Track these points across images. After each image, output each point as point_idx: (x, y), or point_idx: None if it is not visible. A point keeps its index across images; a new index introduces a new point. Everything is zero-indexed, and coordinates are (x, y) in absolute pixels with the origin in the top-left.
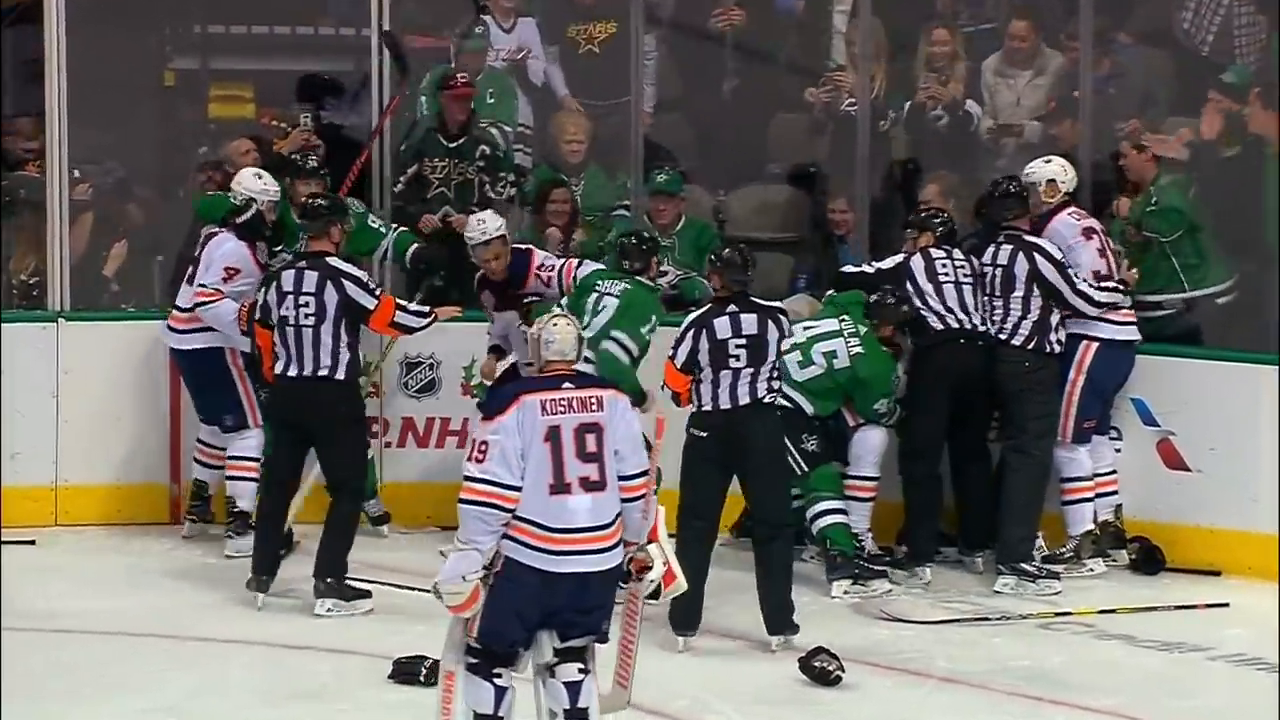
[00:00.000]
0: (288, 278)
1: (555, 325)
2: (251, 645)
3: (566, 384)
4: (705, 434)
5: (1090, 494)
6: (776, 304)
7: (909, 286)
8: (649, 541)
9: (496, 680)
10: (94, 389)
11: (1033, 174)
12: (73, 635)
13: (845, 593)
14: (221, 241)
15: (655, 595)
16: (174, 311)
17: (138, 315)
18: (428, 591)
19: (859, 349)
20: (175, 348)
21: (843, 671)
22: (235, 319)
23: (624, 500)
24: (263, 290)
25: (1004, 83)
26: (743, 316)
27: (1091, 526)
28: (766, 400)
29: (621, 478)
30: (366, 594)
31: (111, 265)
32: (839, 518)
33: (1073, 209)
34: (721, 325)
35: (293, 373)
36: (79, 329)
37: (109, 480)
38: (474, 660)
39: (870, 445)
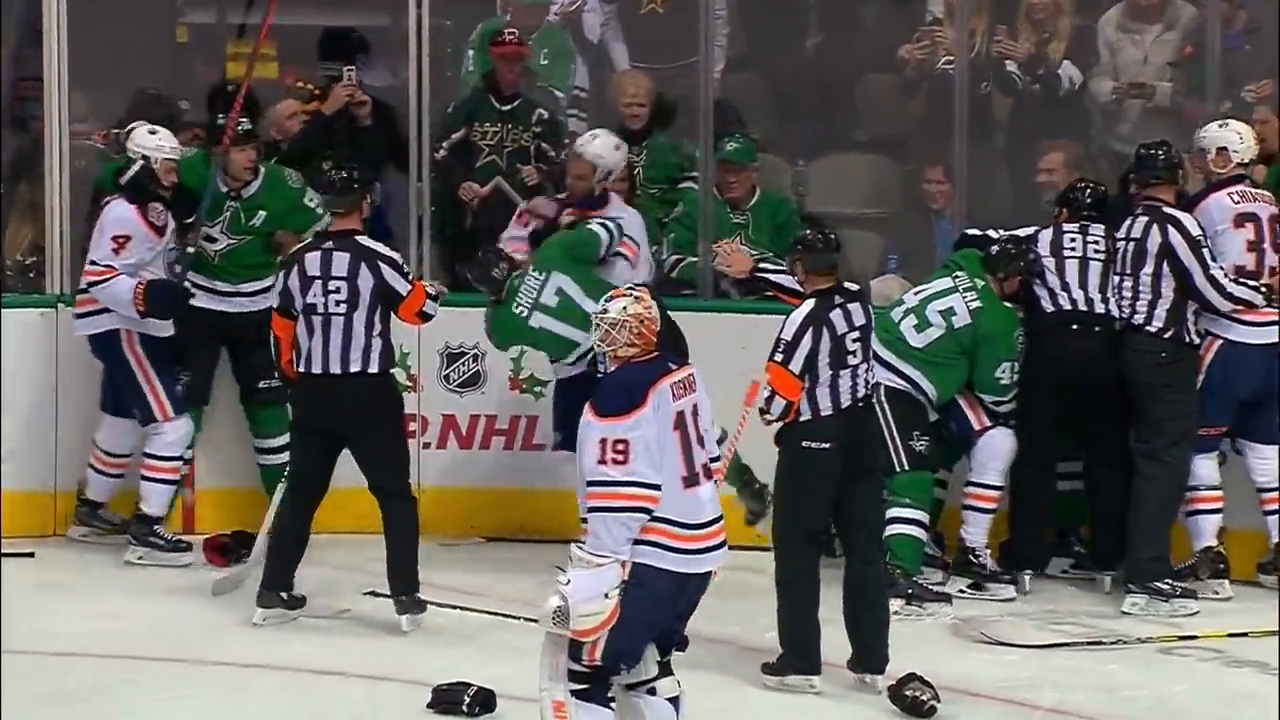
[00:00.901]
0: (313, 260)
1: (628, 306)
2: (272, 670)
3: (670, 365)
4: (828, 445)
5: (1215, 505)
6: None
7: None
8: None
9: (612, 705)
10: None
11: (1204, 138)
12: (75, 658)
13: (895, 613)
14: (108, 210)
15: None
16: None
17: None
18: (511, 618)
19: (978, 302)
20: (82, 334)
21: (938, 701)
22: (132, 298)
23: None
24: (283, 275)
25: (1128, 39)
26: (850, 306)
27: (1213, 543)
28: (870, 394)
29: (710, 460)
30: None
31: None
32: (912, 530)
33: (1237, 189)
34: (838, 319)
35: (319, 369)
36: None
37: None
38: (584, 686)
39: (997, 450)
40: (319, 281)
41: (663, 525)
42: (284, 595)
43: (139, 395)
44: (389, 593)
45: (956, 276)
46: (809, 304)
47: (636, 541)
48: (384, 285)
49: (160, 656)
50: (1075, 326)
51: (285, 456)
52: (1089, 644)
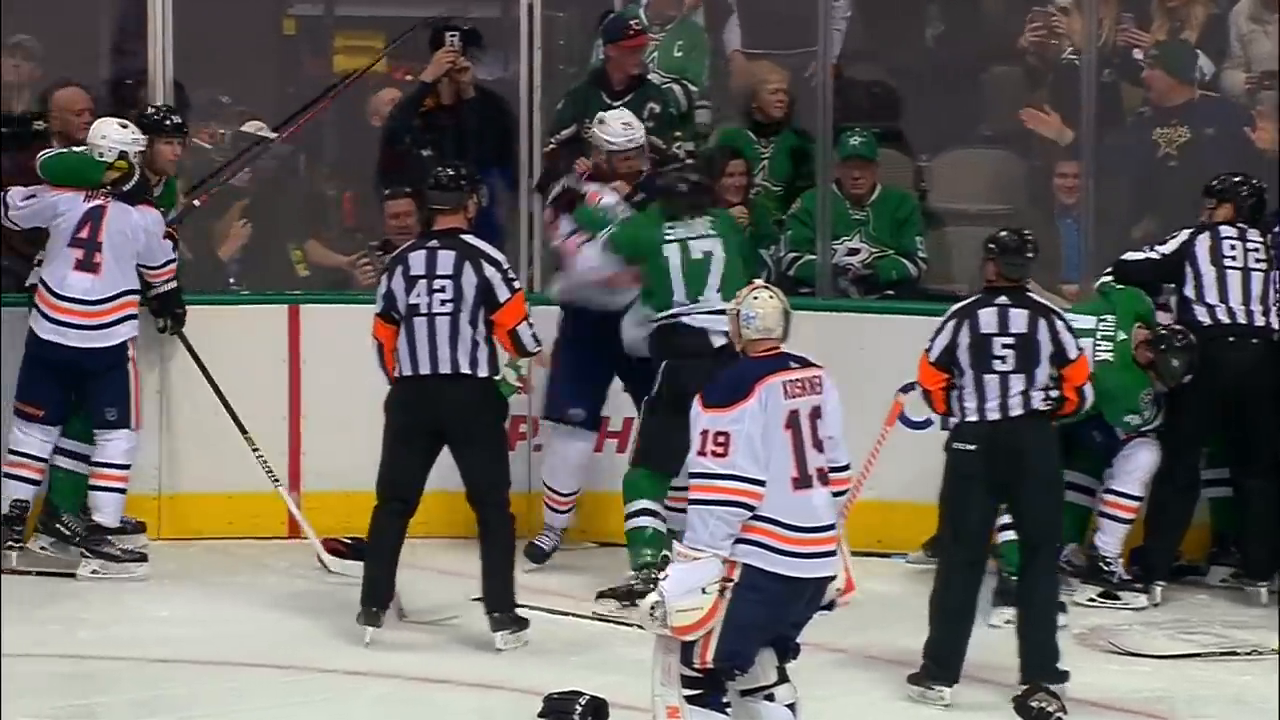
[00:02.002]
0: (417, 260)
1: (758, 298)
2: (378, 678)
3: (792, 363)
4: (973, 447)
5: None
6: (1051, 304)
7: (1187, 269)
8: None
9: (729, 710)
10: (203, 384)
11: None
12: (179, 665)
13: (1006, 622)
14: (139, 217)
15: (830, 606)
16: (67, 304)
17: (255, 299)
18: (605, 619)
19: (1108, 356)
20: (79, 346)
21: (1064, 713)
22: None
23: (831, 494)
24: (385, 277)
25: (1261, 30)
26: (1012, 311)
27: None
28: (1041, 409)
29: (833, 468)
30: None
31: (231, 245)
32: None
33: None
34: (987, 318)
35: (425, 370)
36: (188, 315)
37: (218, 489)
38: (698, 690)
39: (1141, 461)
40: (423, 281)
41: (767, 525)
42: (388, 608)
43: (124, 400)
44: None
45: (1103, 320)
46: (965, 299)
47: (742, 540)
48: (486, 285)
49: (262, 663)
50: (1231, 340)
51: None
52: (1222, 654)
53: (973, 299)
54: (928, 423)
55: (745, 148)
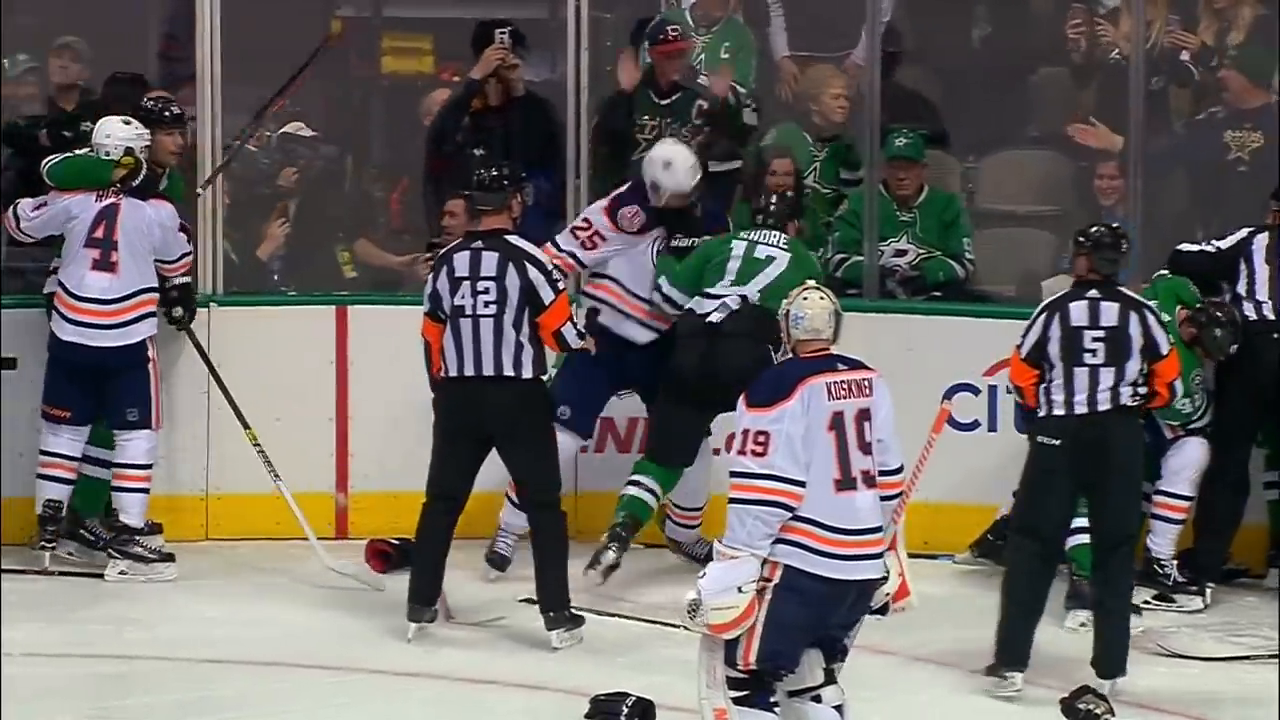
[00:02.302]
0: (461, 260)
1: (807, 299)
2: (427, 679)
3: (839, 365)
4: (1057, 441)
5: None
6: (1142, 298)
7: (1241, 266)
8: (888, 549)
9: (776, 710)
10: (249, 385)
11: None
12: (227, 666)
13: (1081, 625)
14: (153, 212)
15: (884, 610)
16: (86, 304)
17: (303, 300)
18: (653, 623)
19: None
20: (101, 345)
21: (1113, 715)
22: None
23: (881, 498)
24: (431, 277)
25: None
26: (1103, 304)
27: None
28: (1129, 404)
29: (882, 471)
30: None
31: (269, 246)
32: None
33: None
34: (1078, 311)
35: (470, 372)
36: (233, 316)
37: (265, 489)
38: (744, 691)
39: (1188, 459)
40: (467, 282)
41: (807, 526)
42: (434, 606)
43: (145, 401)
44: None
45: None
46: (1055, 294)
47: (781, 541)
48: (530, 287)
49: (311, 664)
50: (1277, 335)
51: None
52: (1270, 657)
53: (1064, 293)
54: (975, 424)
55: (800, 149)
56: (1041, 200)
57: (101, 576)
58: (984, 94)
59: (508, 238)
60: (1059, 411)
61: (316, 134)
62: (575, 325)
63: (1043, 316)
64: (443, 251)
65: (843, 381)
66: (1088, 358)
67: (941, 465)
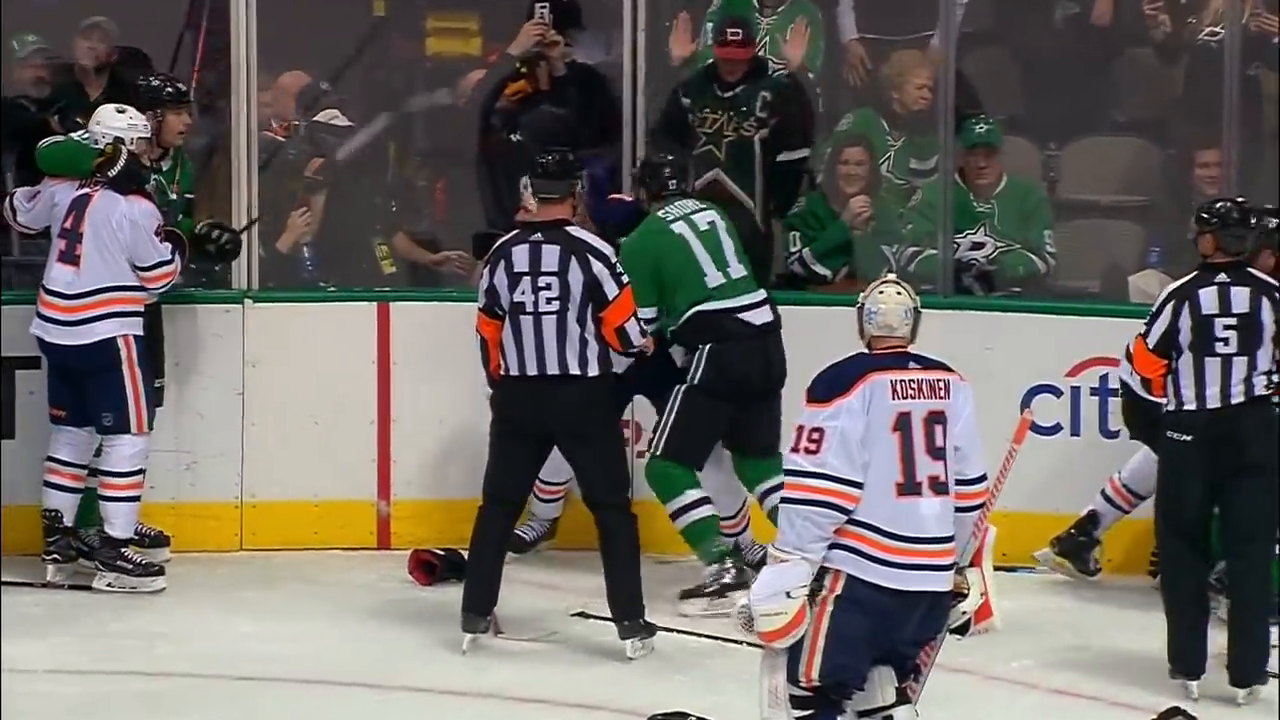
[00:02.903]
0: (520, 254)
1: (882, 293)
2: (476, 697)
3: (913, 364)
4: (1189, 437)
5: None
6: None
7: None
8: (970, 564)
9: None
10: (287, 386)
11: None
12: (264, 684)
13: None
14: (127, 207)
15: (963, 630)
16: (50, 298)
17: (342, 295)
18: (733, 642)
19: None
20: (60, 342)
21: None
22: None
23: (959, 509)
24: (487, 271)
25: None
26: (1233, 289)
27: None
28: (1263, 394)
29: (960, 481)
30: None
31: (289, 238)
32: None
33: None
34: (1207, 298)
35: (532, 371)
36: (269, 313)
37: (304, 496)
38: (808, 711)
39: None
40: (527, 278)
41: (863, 530)
42: (490, 615)
43: (120, 404)
44: (605, 615)
45: None
46: (1181, 279)
47: (838, 546)
48: (593, 281)
49: (355, 681)
50: None
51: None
52: None
53: (1190, 278)
54: (1057, 428)
55: (876, 137)
56: (1128, 190)
57: (89, 588)
58: (1066, 76)
59: (568, 229)
60: (1189, 406)
61: (351, 123)
62: (639, 321)
63: (1171, 304)
64: (499, 244)
65: (912, 380)
66: (1219, 347)
67: (1020, 471)
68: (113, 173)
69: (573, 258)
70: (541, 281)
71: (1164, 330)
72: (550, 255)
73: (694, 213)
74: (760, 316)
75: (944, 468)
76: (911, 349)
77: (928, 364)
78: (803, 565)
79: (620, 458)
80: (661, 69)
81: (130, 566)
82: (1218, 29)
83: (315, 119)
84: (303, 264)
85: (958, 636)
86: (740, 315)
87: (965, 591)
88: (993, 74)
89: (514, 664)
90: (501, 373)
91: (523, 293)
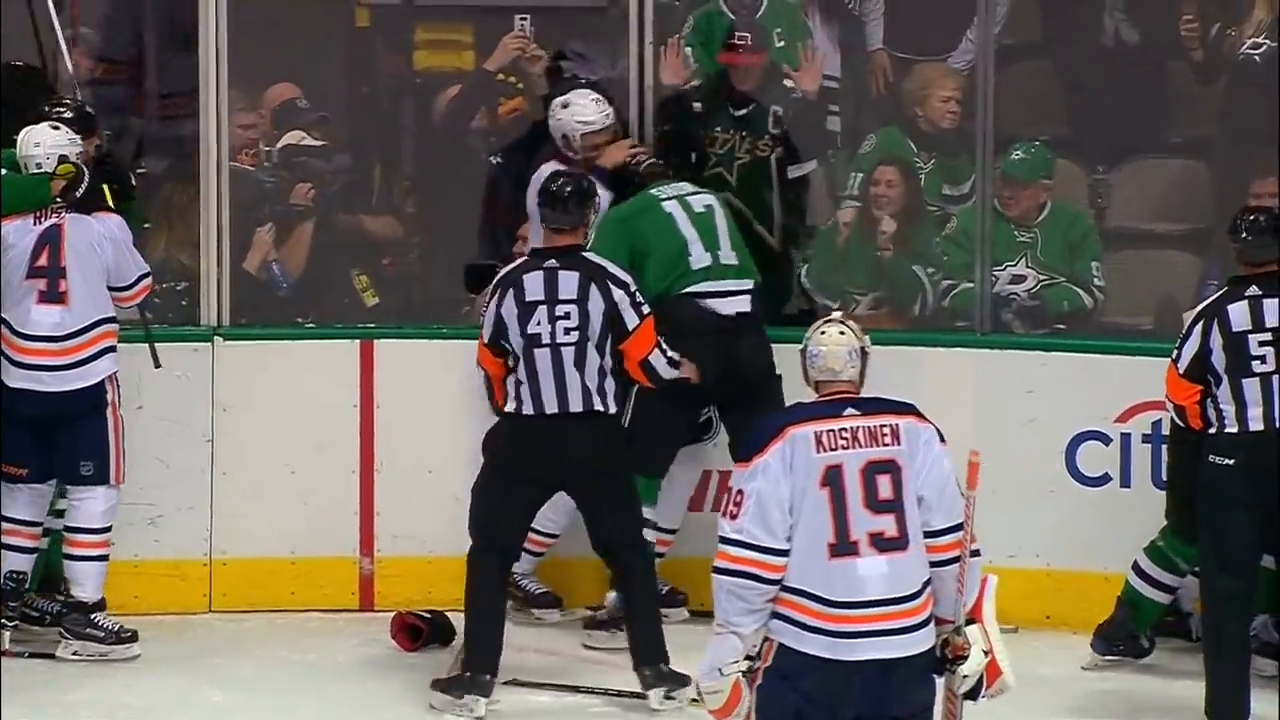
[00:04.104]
0: (533, 282)
1: (824, 334)
2: None
3: (850, 410)
4: (1231, 462)
5: None
6: None
7: None
8: (969, 621)
9: None
10: (262, 432)
11: None
12: None
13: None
14: (100, 226)
15: (974, 694)
16: (34, 344)
17: (321, 332)
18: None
19: None
20: (55, 390)
21: None
22: None
23: (933, 564)
24: (493, 302)
25: None
26: (1265, 302)
27: None
28: None
29: (928, 533)
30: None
31: (255, 258)
32: None
33: None
34: (1237, 314)
35: (551, 409)
36: (242, 351)
37: (279, 553)
38: None
39: None
40: (543, 307)
41: (796, 598)
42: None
43: (103, 451)
44: (633, 664)
45: None
46: (1210, 297)
47: (776, 614)
48: (613, 311)
49: None
50: None
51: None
52: None
53: (1220, 295)
54: (1105, 478)
55: (906, 156)
56: (1182, 217)
57: (53, 656)
58: (1117, 94)
59: (585, 255)
60: (1231, 428)
61: (324, 142)
62: (665, 352)
63: (1200, 325)
64: (506, 272)
65: (844, 429)
66: (1256, 365)
67: (1065, 527)
68: (79, 193)
69: (592, 284)
70: (559, 310)
71: (1195, 353)
72: (568, 282)
73: (691, 194)
74: (732, 306)
75: (895, 521)
76: (865, 392)
77: (872, 409)
78: (731, 639)
79: (636, 497)
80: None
81: (101, 634)
82: (1261, 41)
83: (283, 144)
84: (276, 283)
85: (971, 701)
86: (710, 302)
87: (967, 651)
88: (1037, 91)
89: None
90: (509, 410)
91: (538, 324)
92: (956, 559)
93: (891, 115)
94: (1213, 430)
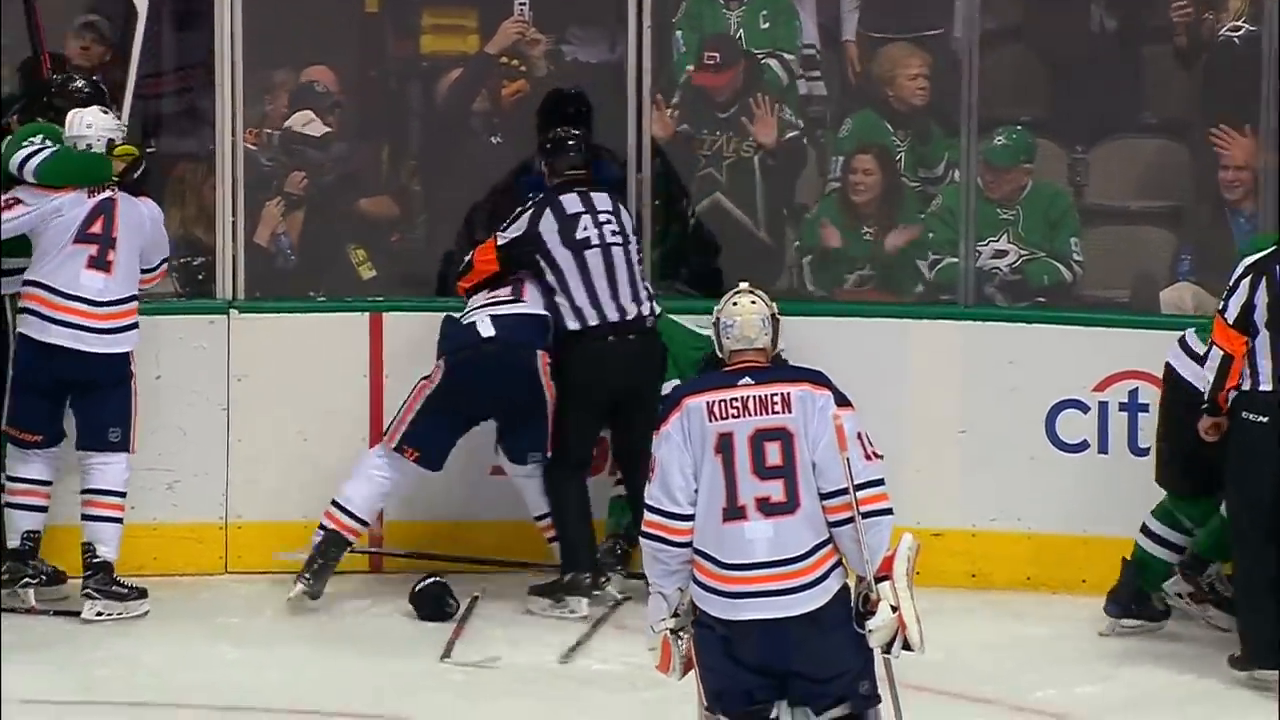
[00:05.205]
0: (570, 200)
1: (736, 304)
2: None
3: (745, 380)
4: (1264, 419)
5: None
6: None
7: None
8: (881, 578)
9: None
10: (275, 401)
11: None
12: (251, 714)
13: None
14: (147, 208)
15: (888, 649)
16: (80, 305)
17: (333, 305)
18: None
19: None
20: (88, 350)
21: None
22: None
23: (830, 525)
24: (527, 218)
25: None
26: None
27: None
28: None
29: (821, 496)
30: None
31: (265, 231)
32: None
33: None
34: None
35: (614, 314)
36: (257, 324)
37: (292, 517)
38: None
39: None
40: (586, 215)
41: (701, 560)
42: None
43: (126, 420)
44: None
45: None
46: (1261, 253)
47: (694, 577)
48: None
49: (344, 712)
50: None
51: None
52: None
53: (1270, 251)
54: (1084, 445)
55: (881, 140)
56: (1158, 195)
57: (78, 614)
58: (1096, 74)
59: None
60: (1265, 385)
61: (329, 129)
62: None
63: (1248, 279)
64: (541, 196)
65: (735, 399)
66: None
67: (1045, 493)
68: (136, 175)
69: (621, 206)
70: (601, 218)
71: (1242, 304)
72: (602, 199)
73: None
74: (615, 314)
75: (783, 486)
76: (766, 360)
77: (766, 378)
78: (657, 599)
79: None
80: (670, 70)
81: (125, 591)
82: (1239, 24)
83: (288, 126)
84: (284, 255)
85: (888, 655)
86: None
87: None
88: (1018, 75)
89: (510, 694)
90: (573, 330)
91: (585, 229)
92: (849, 520)
93: (869, 98)
94: (1246, 387)
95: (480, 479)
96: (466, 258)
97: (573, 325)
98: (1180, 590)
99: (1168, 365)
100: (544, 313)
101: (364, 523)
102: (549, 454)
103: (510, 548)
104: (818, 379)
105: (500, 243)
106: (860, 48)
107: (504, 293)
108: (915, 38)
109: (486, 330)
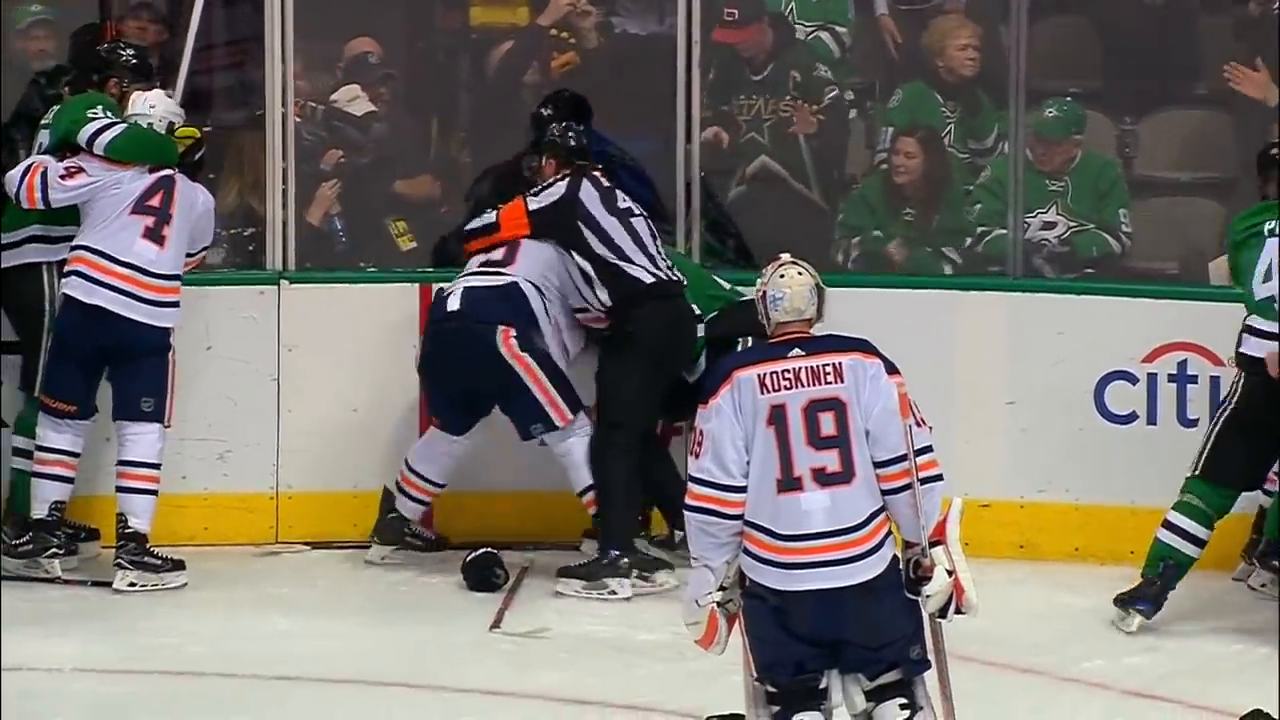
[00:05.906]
0: (598, 175)
1: (783, 277)
2: (521, 699)
3: (795, 351)
4: None
5: None
6: None
7: None
8: (935, 544)
9: None
10: (325, 372)
11: None
12: (301, 683)
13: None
14: (203, 194)
15: (944, 613)
16: (133, 274)
17: (382, 276)
18: None
19: None
20: (131, 318)
21: None
22: None
23: (885, 492)
24: (566, 185)
25: None
26: None
27: None
28: None
29: (877, 464)
30: None
31: (318, 211)
32: None
33: None
34: None
35: (664, 275)
36: (307, 294)
37: (343, 487)
38: (778, 706)
39: None
40: (617, 190)
41: (754, 532)
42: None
43: (162, 391)
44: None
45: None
46: None
47: (744, 548)
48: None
49: (393, 681)
50: None
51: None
52: None
53: None
54: (1132, 416)
55: (931, 112)
56: (1207, 166)
57: (108, 585)
58: (1145, 45)
59: None
60: None
61: (373, 108)
62: None
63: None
64: (572, 172)
65: (786, 370)
66: None
67: (1092, 464)
68: (199, 156)
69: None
70: (624, 194)
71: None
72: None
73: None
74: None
75: (839, 456)
76: (818, 329)
77: (816, 348)
78: (704, 572)
79: None
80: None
81: (158, 562)
82: None
83: (333, 100)
84: (336, 236)
85: (943, 619)
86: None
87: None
88: (1070, 45)
89: (559, 665)
90: (645, 288)
91: (624, 200)
92: (907, 487)
93: (917, 70)
94: None
95: (533, 448)
96: (488, 218)
97: (647, 280)
98: (1264, 581)
99: (1239, 354)
100: (525, 282)
101: (437, 484)
102: (557, 424)
103: (563, 522)
104: (867, 347)
105: (533, 207)
106: (896, 20)
107: (497, 254)
108: (952, 7)
109: (453, 304)
